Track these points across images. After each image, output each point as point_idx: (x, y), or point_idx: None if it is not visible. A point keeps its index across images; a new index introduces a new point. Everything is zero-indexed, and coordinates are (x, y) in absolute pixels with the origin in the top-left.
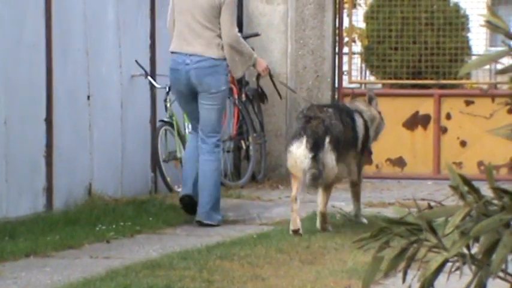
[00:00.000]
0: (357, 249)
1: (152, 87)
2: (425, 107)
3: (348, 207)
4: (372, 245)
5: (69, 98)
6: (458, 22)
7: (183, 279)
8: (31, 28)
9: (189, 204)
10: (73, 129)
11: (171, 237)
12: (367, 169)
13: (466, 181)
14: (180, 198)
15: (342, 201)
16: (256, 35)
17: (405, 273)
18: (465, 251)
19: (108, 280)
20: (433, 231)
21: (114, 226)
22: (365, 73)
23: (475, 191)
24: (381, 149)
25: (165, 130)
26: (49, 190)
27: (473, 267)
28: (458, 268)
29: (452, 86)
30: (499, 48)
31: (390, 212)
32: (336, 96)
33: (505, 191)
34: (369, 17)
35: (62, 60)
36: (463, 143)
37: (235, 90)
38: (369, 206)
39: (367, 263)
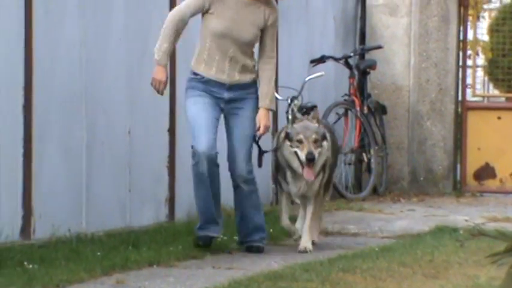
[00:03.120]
0: (491, 264)
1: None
2: None
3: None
4: (505, 260)
5: None
6: None
7: None
8: (155, 40)
9: None
10: None
11: (292, 249)
12: (490, 184)
13: None
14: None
15: (465, 215)
16: (379, 47)
17: None
18: None
19: None
20: None
21: (236, 237)
22: (488, 86)
23: None
24: (505, 164)
25: None
26: (171, 200)
27: None
28: None
29: None
30: None
31: None
32: (460, 110)
33: None
34: (493, 30)
35: (185, 71)
36: None
37: (357, 102)
38: (493, 221)
39: (495, 278)
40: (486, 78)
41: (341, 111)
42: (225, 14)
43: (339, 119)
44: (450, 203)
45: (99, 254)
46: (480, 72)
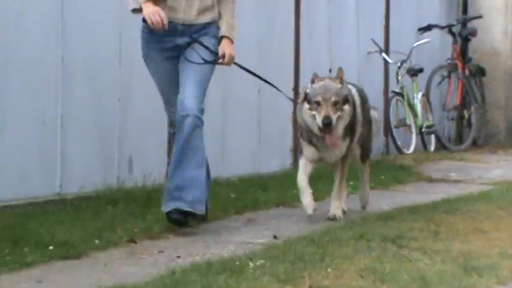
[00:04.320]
0: None
1: (386, 62)
2: None
3: None
4: None
5: (313, 70)
6: None
7: (412, 230)
8: (282, 10)
9: None
10: None
11: (400, 194)
12: None
13: None
14: None
15: None
16: (479, 17)
17: None
18: None
19: (347, 229)
20: None
21: (351, 182)
22: None
23: None
24: None
25: (396, 100)
26: (295, 150)
27: None
28: None
29: None
30: None
31: None
32: None
33: None
34: None
35: (307, 37)
36: None
37: (459, 65)
38: None
39: None
40: None
41: (445, 73)
42: None
43: (443, 80)
44: None
45: (232, 196)
46: None
